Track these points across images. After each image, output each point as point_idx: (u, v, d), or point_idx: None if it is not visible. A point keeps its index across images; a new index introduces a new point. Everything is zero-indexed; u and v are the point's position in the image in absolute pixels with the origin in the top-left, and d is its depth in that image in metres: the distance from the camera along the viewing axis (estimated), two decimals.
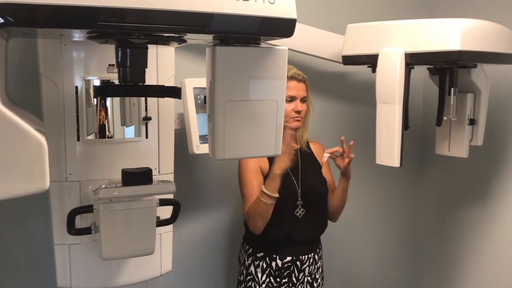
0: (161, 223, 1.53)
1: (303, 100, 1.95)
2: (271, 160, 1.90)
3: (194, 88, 1.75)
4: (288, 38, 1.15)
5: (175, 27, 1.03)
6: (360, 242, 2.66)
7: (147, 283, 1.73)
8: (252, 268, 1.96)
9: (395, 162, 1.79)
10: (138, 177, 1.37)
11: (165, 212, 1.55)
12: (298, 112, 1.92)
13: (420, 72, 2.24)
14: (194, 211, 2.21)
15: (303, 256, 1.98)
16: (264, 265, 1.95)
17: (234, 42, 1.16)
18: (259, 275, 1.95)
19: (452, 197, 2.57)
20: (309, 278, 2.01)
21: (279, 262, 1.95)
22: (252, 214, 1.86)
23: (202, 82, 1.39)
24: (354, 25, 1.92)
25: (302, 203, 1.95)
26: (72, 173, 1.51)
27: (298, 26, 1.13)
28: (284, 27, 1.11)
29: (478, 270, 2.43)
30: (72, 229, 1.42)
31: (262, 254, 1.96)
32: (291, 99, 1.92)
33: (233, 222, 2.30)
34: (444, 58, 1.68)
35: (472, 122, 2.02)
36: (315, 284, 2.04)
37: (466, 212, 2.48)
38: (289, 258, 1.95)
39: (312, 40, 2.05)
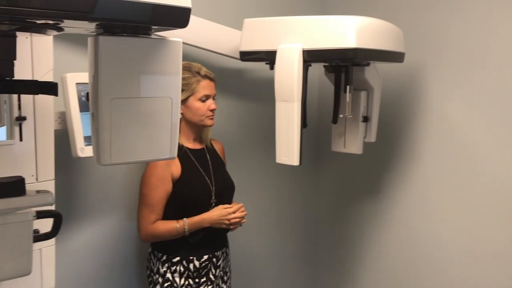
0: (39, 237, 1.35)
1: (214, 98, 1.96)
2: (184, 165, 1.91)
3: (77, 83, 1.61)
4: (182, 31, 1.06)
5: (50, 11, 0.88)
6: (259, 238, 2.64)
7: None
8: (168, 275, 1.92)
9: (295, 161, 1.78)
10: (8, 187, 1.19)
11: (47, 223, 1.37)
12: (213, 110, 1.94)
13: (315, 69, 2.25)
14: (82, 221, 2.01)
15: (218, 252, 2.02)
16: (182, 269, 1.92)
17: (121, 32, 1.04)
18: (177, 279, 1.92)
19: (348, 193, 2.64)
20: (221, 272, 2.05)
21: (197, 263, 1.94)
22: (160, 236, 1.90)
23: (87, 77, 1.24)
24: (251, 19, 1.87)
25: (216, 201, 1.97)
26: None
27: (193, 18, 1.05)
28: (178, 16, 1.02)
29: (374, 264, 2.51)
30: None
31: (178, 258, 1.92)
32: (206, 98, 1.92)
33: (127, 230, 2.13)
34: (340, 56, 1.70)
35: (366, 119, 2.07)
36: (225, 278, 2.09)
37: (360, 207, 2.55)
38: (205, 257, 1.96)
39: (208, 34, 1.99)
